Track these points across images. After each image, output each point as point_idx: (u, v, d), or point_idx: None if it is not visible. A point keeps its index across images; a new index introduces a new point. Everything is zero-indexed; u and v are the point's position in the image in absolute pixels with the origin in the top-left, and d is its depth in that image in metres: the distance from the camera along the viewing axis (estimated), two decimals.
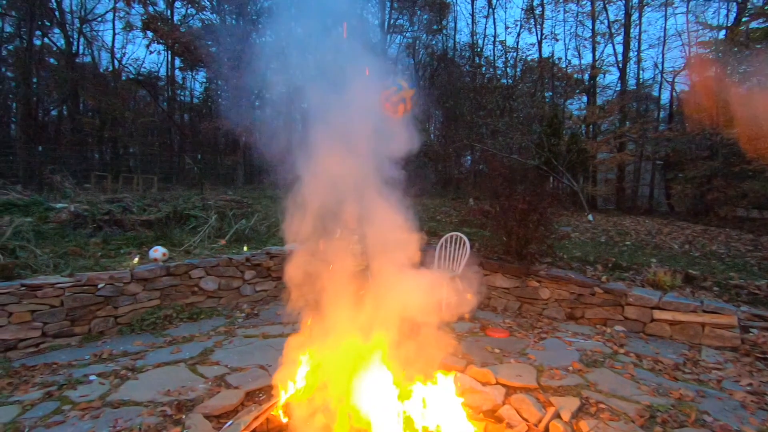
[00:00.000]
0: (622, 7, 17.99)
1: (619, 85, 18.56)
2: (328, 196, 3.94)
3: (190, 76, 28.06)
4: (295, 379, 2.84)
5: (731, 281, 5.23)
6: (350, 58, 3.16)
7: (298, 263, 5.44)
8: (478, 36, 23.75)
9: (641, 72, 19.92)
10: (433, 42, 26.22)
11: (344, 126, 3.22)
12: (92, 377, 3.39)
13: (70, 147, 21.67)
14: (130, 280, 4.63)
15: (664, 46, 19.05)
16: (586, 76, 19.73)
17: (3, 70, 22.23)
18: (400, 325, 3.14)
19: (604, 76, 20.59)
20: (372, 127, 3.27)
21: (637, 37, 18.69)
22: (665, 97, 21.26)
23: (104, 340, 4.28)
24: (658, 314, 4.61)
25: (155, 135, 27.01)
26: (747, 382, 3.45)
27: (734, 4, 14.84)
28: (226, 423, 2.76)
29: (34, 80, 22.02)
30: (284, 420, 2.62)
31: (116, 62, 24.97)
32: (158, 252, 5.20)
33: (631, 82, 19.11)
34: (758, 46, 12.78)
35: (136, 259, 5.09)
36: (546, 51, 22.08)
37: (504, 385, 3.41)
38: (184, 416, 2.84)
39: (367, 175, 3.39)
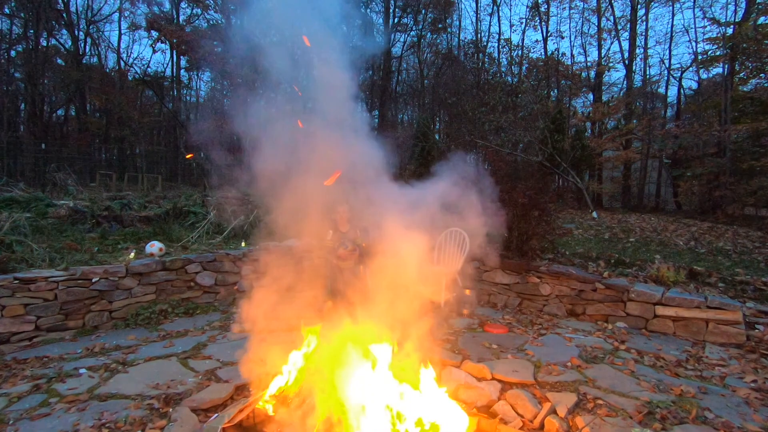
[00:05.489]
0: (628, 3, 17.79)
1: (625, 82, 18.36)
2: (328, 194, 3.91)
3: (196, 76, 28.22)
4: (283, 373, 2.79)
5: (737, 277, 5.11)
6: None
7: (295, 258, 5.43)
8: (482, 34, 23.66)
9: (648, 69, 19.71)
10: (438, 40, 26.13)
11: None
12: (82, 370, 3.36)
13: (76, 146, 21.85)
14: (125, 274, 4.61)
15: (671, 42, 18.86)
16: (592, 74, 19.55)
17: (11, 71, 22.45)
18: (396, 319, 3.09)
19: (610, 73, 20.41)
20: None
21: (643, 34, 18.51)
22: (672, 94, 21.04)
23: (98, 334, 4.26)
24: (660, 310, 4.50)
25: (161, 134, 27.19)
26: (751, 378, 3.35)
27: None
28: (213, 416, 2.71)
29: (45, 81, 22.21)
30: (271, 413, 2.57)
31: (122, 62, 25.15)
32: (155, 247, 5.18)
33: (638, 78, 18.90)
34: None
35: (132, 254, 5.06)
36: (551, 48, 21.87)
37: (500, 381, 3.32)
38: (171, 410, 2.80)
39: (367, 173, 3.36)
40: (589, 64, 20.24)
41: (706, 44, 15.58)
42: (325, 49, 3.01)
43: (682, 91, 19.39)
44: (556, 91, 20.59)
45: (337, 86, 3.11)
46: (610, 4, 18.46)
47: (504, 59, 21.76)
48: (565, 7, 21.35)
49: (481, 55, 22.29)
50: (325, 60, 3.04)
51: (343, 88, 3.18)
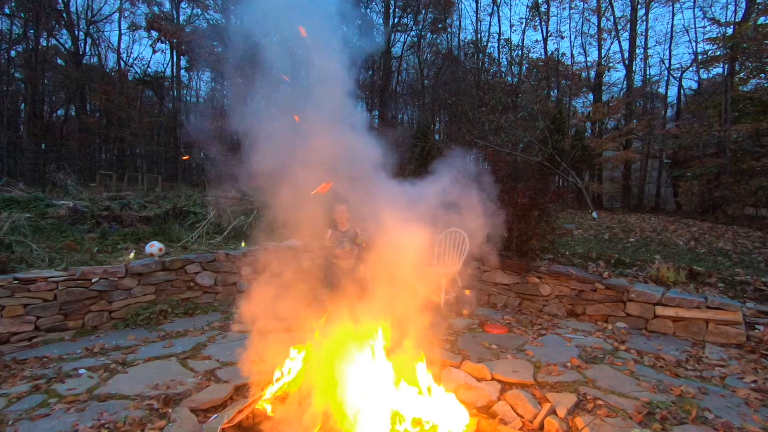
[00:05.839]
0: (628, 3, 17.78)
1: (625, 82, 18.35)
2: (328, 194, 3.90)
3: (196, 76, 28.22)
4: (283, 373, 2.78)
5: (737, 277, 5.11)
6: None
7: (294, 258, 5.41)
8: (482, 34, 23.66)
9: (648, 69, 19.70)
10: (438, 40, 26.13)
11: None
12: (81, 371, 3.36)
13: (76, 146, 21.85)
14: (124, 274, 4.60)
15: (671, 42, 18.84)
16: (592, 74, 19.54)
17: (11, 71, 22.44)
18: (396, 319, 3.09)
19: (610, 73, 20.40)
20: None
21: (643, 34, 18.50)
22: (672, 94, 21.02)
23: (98, 334, 4.26)
24: (660, 310, 4.49)
25: (161, 134, 27.17)
26: (751, 379, 3.35)
27: None
28: (212, 417, 2.71)
29: (45, 81, 22.20)
30: (270, 414, 2.56)
31: (122, 62, 25.14)
32: (154, 247, 5.17)
33: (638, 78, 18.88)
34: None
35: (132, 254, 5.06)
36: (551, 48, 21.88)
37: (499, 381, 3.32)
38: (170, 410, 2.79)
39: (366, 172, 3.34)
40: (589, 64, 20.25)
41: (706, 44, 15.59)
42: (324, 44, 3.00)
43: (682, 91, 19.38)
44: (556, 91, 20.58)
45: (336, 84, 3.11)
46: (610, 4, 18.46)
47: (504, 59, 21.79)
48: (565, 7, 21.36)
49: (481, 55, 22.29)
50: (324, 57, 3.03)
51: (343, 86, 3.17)
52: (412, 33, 25.57)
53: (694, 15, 18.58)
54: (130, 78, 25.15)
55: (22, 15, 20.95)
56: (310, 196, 3.53)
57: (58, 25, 22.70)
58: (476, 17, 23.91)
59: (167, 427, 2.57)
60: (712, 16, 16.57)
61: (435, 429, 2.39)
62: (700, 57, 16.27)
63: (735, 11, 15.41)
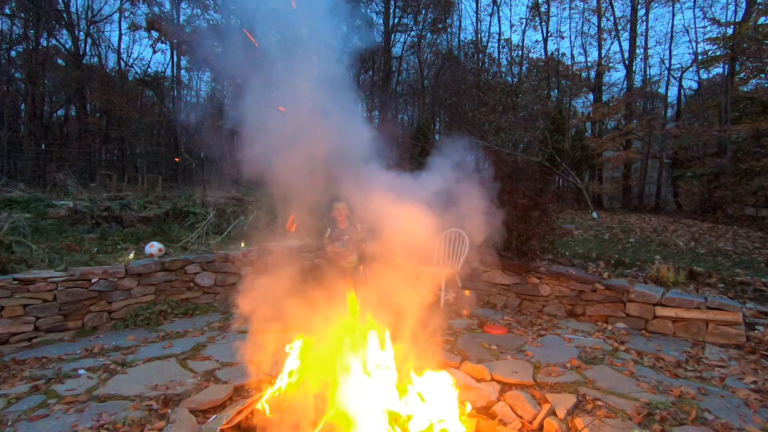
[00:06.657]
0: (628, 3, 17.77)
1: (625, 82, 18.33)
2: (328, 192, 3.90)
3: (196, 76, 28.21)
4: (282, 374, 2.78)
5: (737, 278, 5.10)
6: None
7: (294, 258, 5.41)
8: (482, 34, 23.65)
9: (648, 69, 19.68)
10: (438, 41, 26.12)
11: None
12: (81, 371, 3.36)
13: (76, 146, 21.85)
14: (124, 275, 4.61)
15: (671, 42, 18.82)
16: (593, 74, 19.52)
17: (12, 71, 22.42)
18: (395, 320, 3.09)
19: (610, 73, 20.38)
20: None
21: (643, 34, 18.48)
22: (672, 94, 21.01)
23: (97, 335, 4.26)
24: (660, 311, 4.49)
25: (161, 134, 27.16)
26: (751, 379, 3.35)
27: None
28: (211, 417, 2.71)
29: (45, 81, 22.18)
30: (269, 414, 2.56)
31: (122, 63, 25.13)
32: (154, 247, 5.17)
33: (638, 79, 18.86)
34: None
35: (132, 255, 5.06)
36: (551, 48, 21.89)
37: (499, 382, 3.32)
38: (169, 411, 2.79)
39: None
40: (589, 64, 20.22)
41: (707, 44, 15.56)
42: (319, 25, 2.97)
43: (682, 91, 19.36)
44: (556, 91, 20.56)
45: (334, 78, 3.10)
46: (610, 4, 18.44)
47: (504, 59, 21.76)
48: (565, 8, 21.33)
49: (481, 55, 22.29)
50: (320, 33, 3.02)
51: (342, 81, 3.17)
52: (412, 33, 25.58)
53: (694, 15, 18.60)
54: (130, 78, 25.16)
55: (23, 15, 20.93)
56: (309, 196, 3.53)
57: (58, 25, 22.67)
58: (476, 17, 23.91)
59: (166, 428, 2.57)
60: (712, 16, 16.56)
61: (432, 428, 2.39)
62: (700, 57, 16.26)
63: (735, 11, 15.41)
